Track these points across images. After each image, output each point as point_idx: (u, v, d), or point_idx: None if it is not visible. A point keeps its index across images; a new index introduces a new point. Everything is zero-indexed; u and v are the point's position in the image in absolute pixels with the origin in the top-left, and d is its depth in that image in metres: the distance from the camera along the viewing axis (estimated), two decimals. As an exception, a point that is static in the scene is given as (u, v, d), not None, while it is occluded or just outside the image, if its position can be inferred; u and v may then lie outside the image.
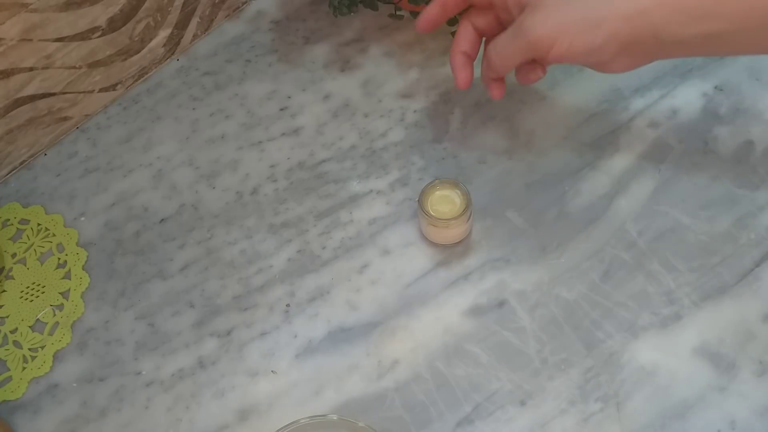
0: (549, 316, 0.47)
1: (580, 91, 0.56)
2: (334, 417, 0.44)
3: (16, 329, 0.51)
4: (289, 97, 0.59)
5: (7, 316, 0.52)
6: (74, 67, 0.55)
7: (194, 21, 0.61)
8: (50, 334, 0.51)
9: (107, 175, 0.57)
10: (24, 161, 0.58)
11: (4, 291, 0.53)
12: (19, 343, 0.51)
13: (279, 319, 0.50)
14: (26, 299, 0.52)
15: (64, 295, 0.52)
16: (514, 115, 0.56)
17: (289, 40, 0.61)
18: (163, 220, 0.54)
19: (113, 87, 0.59)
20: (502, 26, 0.48)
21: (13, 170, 0.58)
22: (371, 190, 0.54)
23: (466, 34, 0.49)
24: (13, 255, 0.54)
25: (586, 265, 0.49)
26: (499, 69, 0.46)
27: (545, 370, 0.46)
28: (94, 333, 0.51)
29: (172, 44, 0.61)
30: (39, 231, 0.55)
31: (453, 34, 0.57)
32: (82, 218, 0.55)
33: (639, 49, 0.42)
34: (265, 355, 0.48)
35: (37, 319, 0.51)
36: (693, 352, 0.45)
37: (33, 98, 0.55)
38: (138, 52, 0.59)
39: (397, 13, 0.57)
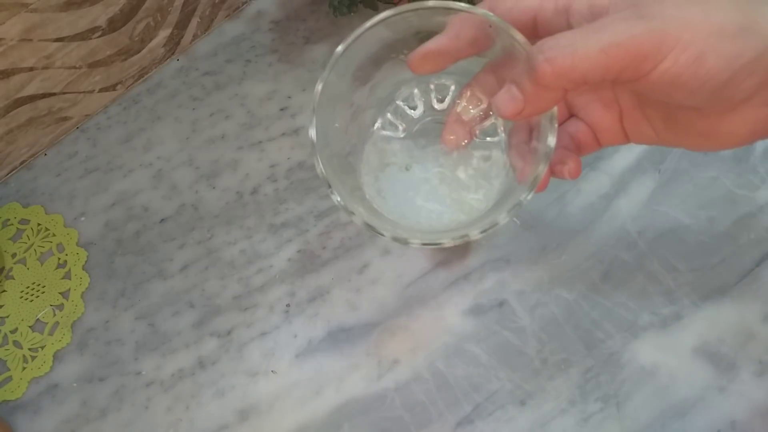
0: (549, 316, 0.47)
1: (580, 91, 0.56)
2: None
3: (16, 329, 0.51)
4: (289, 97, 0.59)
5: (7, 316, 0.52)
6: (74, 67, 0.55)
7: (194, 21, 0.61)
8: (50, 334, 0.51)
9: (107, 175, 0.57)
10: (24, 161, 0.58)
11: (4, 291, 0.53)
12: (19, 343, 0.51)
13: (279, 319, 0.50)
14: (26, 299, 0.52)
15: (64, 295, 0.52)
16: (514, 115, 0.55)
17: (289, 40, 0.61)
18: (163, 220, 0.54)
19: (113, 87, 0.59)
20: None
21: (13, 170, 0.58)
22: (371, 190, 0.54)
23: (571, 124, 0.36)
24: (13, 255, 0.54)
25: (586, 265, 0.49)
26: (560, 77, 0.27)
27: (545, 370, 0.46)
28: (94, 333, 0.51)
29: (172, 44, 0.61)
30: (39, 231, 0.55)
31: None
32: (82, 218, 0.55)
33: None
34: (265, 355, 0.48)
35: (37, 319, 0.51)
36: (693, 352, 0.45)
37: (33, 98, 0.55)
38: (138, 52, 0.59)
39: (397, 13, 0.57)
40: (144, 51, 0.59)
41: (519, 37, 0.30)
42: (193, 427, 0.47)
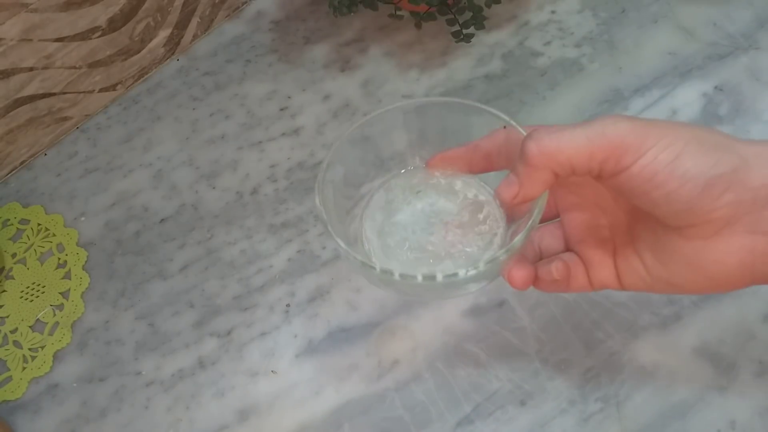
0: (549, 316, 0.47)
1: (580, 91, 0.56)
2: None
3: (16, 329, 0.51)
4: (289, 97, 0.59)
5: (7, 316, 0.52)
6: (74, 67, 0.55)
7: (194, 21, 0.61)
8: (50, 334, 0.51)
9: (107, 175, 0.57)
10: (24, 161, 0.58)
11: (4, 291, 0.53)
12: (19, 343, 0.51)
13: (279, 319, 0.50)
14: (26, 299, 0.52)
15: (64, 295, 0.52)
16: (513, 116, 0.55)
17: (289, 40, 0.61)
18: (163, 220, 0.54)
19: (113, 87, 0.59)
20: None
21: (13, 170, 0.58)
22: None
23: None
24: (13, 255, 0.54)
25: (586, 265, 0.49)
26: (546, 156, 0.30)
27: (545, 370, 0.46)
28: (94, 333, 0.51)
29: (172, 44, 0.61)
30: (39, 231, 0.55)
31: (453, 34, 0.57)
32: (82, 218, 0.55)
33: None
34: (265, 355, 0.48)
35: (37, 319, 0.51)
36: (693, 352, 0.45)
37: (33, 98, 0.55)
38: (138, 52, 0.59)
39: (397, 13, 0.57)
40: (144, 51, 0.59)
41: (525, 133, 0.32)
42: (193, 427, 0.47)
